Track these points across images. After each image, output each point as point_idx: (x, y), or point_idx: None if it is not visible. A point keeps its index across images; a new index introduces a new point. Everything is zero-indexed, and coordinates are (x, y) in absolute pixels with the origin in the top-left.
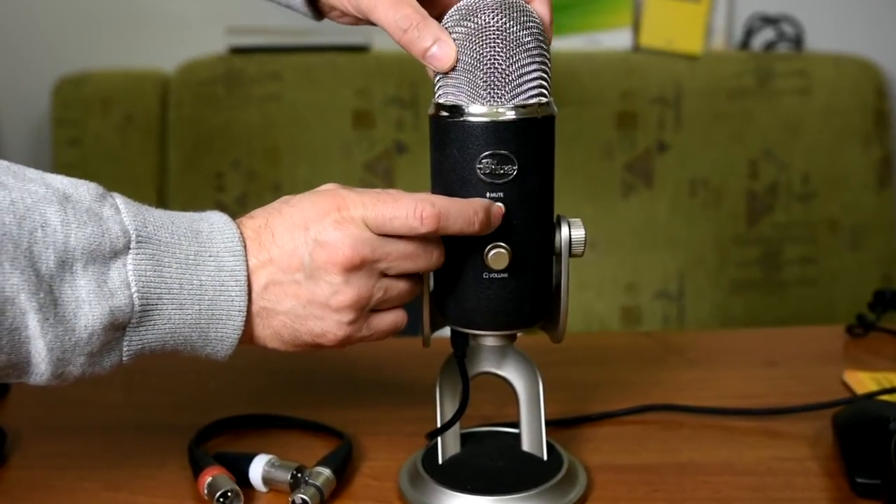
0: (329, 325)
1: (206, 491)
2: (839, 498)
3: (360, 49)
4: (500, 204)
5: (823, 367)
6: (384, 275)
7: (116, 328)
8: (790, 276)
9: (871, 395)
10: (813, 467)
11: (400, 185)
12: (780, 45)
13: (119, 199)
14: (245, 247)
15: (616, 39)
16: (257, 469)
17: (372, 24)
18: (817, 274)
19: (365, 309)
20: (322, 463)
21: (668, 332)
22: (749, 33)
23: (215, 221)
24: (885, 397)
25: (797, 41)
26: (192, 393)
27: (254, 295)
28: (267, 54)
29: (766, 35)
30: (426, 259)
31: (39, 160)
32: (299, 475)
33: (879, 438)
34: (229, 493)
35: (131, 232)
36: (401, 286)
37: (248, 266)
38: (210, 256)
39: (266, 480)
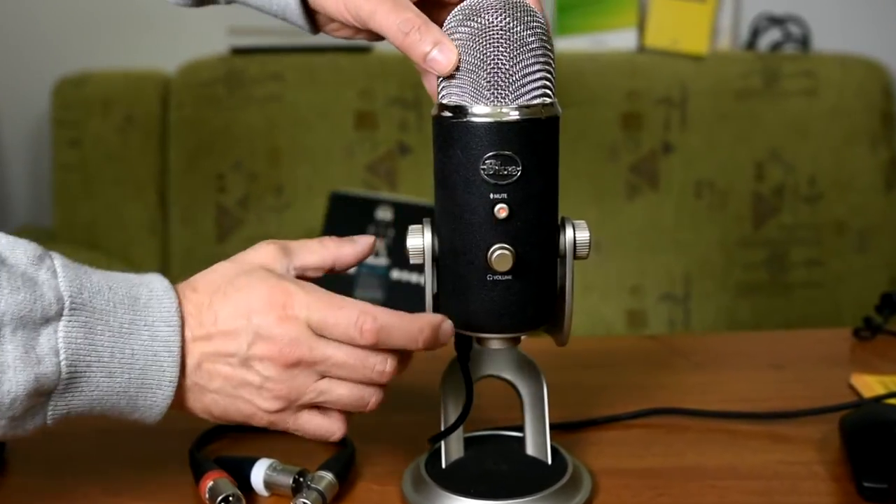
0: (255, 410)
1: (207, 496)
2: (846, 502)
3: (363, 49)
4: (449, 322)
5: (830, 371)
6: (324, 376)
7: (41, 394)
8: (797, 278)
9: (878, 399)
10: (820, 471)
11: (403, 186)
12: (787, 45)
13: (58, 262)
14: (182, 318)
15: (621, 40)
16: (259, 473)
17: (368, 37)
18: (824, 276)
19: (294, 403)
20: (324, 467)
21: (674, 335)
22: (755, 34)
23: (155, 288)
24: (893, 401)
25: (804, 42)
26: None
27: (187, 369)
28: (268, 55)
29: (772, 35)
30: (365, 372)
31: (39, 161)
32: (301, 479)
33: (887, 442)
34: (231, 498)
35: (65, 298)
36: (340, 392)
37: (183, 338)
38: (145, 325)
39: (268, 485)
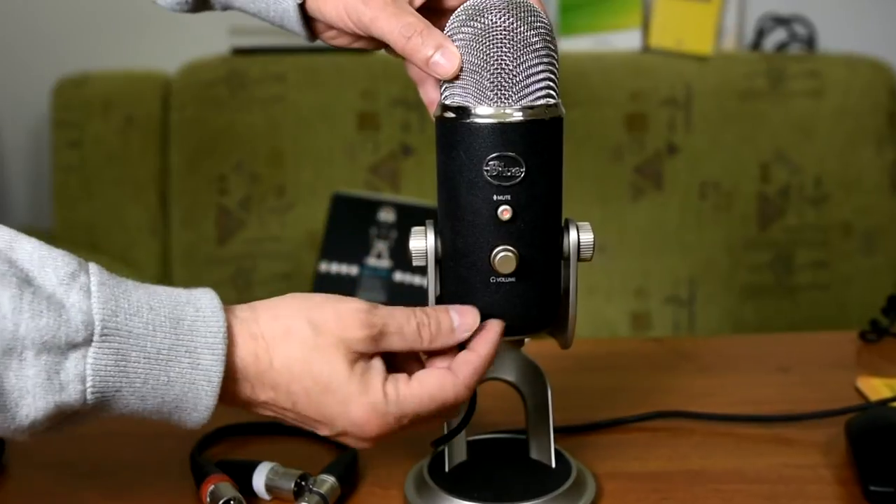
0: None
1: (208, 499)
2: None
3: (366, 49)
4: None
5: (836, 374)
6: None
7: (64, 415)
8: (802, 280)
9: (884, 402)
10: (826, 475)
11: (406, 187)
12: (792, 45)
13: (94, 279)
14: (231, 340)
15: (625, 40)
16: (260, 477)
17: (365, 45)
18: (830, 278)
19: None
20: (327, 470)
21: (679, 338)
22: (760, 34)
23: (203, 307)
24: None
25: (809, 42)
26: None
27: (243, 396)
28: (270, 55)
29: (777, 35)
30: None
31: (39, 163)
32: (303, 483)
33: (893, 446)
34: (232, 502)
35: (96, 324)
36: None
37: (226, 366)
38: (186, 352)
39: (269, 488)
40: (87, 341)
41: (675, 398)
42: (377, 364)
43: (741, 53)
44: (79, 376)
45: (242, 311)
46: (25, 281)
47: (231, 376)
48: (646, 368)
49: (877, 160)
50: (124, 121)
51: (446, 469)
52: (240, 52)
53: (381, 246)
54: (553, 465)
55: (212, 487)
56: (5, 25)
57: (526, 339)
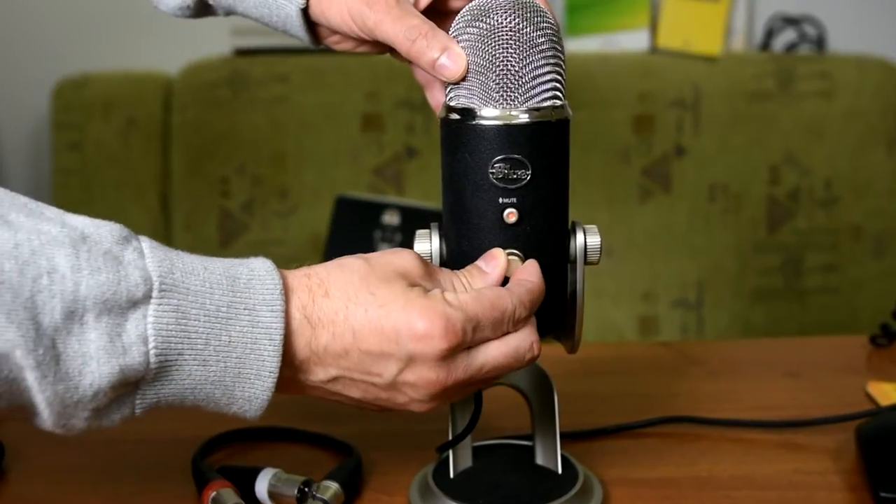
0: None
1: None
2: None
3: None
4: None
5: (846, 378)
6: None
7: (127, 385)
8: (812, 284)
9: (895, 407)
10: (836, 481)
11: (410, 190)
12: (802, 46)
13: (146, 243)
14: (287, 300)
15: (633, 40)
16: (263, 483)
17: (369, 50)
18: (840, 282)
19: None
20: (330, 477)
21: (687, 342)
22: (770, 34)
23: (257, 268)
24: None
25: (819, 42)
26: None
27: (311, 379)
28: (273, 56)
29: (787, 36)
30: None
31: (39, 166)
32: (306, 489)
33: None
34: None
35: (154, 279)
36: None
37: (287, 321)
38: (245, 309)
39: (272, 495)
40: (147, 298)
41: (683, 403)
42: (434, 290)
43: (750, 54)
44: (140, 337)
45: (295, 268)
46: (80, 239)
47: (289, 332)
48: (653, 373)
49: (888, 162)
50: (125, 122)
51: (451, 475)
52: (242, 52)
53: (385, 249)
54: (559, 471)
55: (213, 494)
56: (4, 26)
57: None
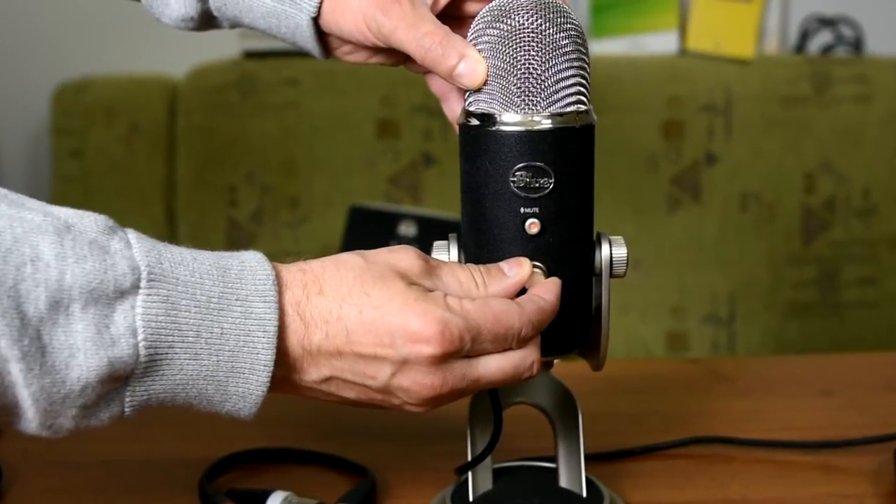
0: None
1: None
2: None
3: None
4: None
5: (885, 397)
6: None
7: (116, 380)
8: (849, 298)
9: None
10: None
11: (427, 199)
12: (839, 48)
13: (132, 234)
14: (280, 293)
15: (661, 42)
16: None
17: (382, 60)
18: (878, 296)
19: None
20: (344, 500)
21: (718, 359)
22: (805, 36)
23: (247, 259)
24: None
25: (857, 44)
26: (202, 424)
27: (304, 379)
28: (283, 58)
29: (823, 38)
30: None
31: (38, 173)
32: None
33: None
34: None
35: (142, 268)
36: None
37: (280, 315)
38: (237, 300)
39: None
40: (135, 288)
41: (714, 423)
42: (436, 291)
43: (784, 57)
44: (129, 329)
45: (289, 262)
46: (64, 228)
47: (283, 326)
48: (682, 391)
49: None
50: (128, 128)
51: (470, 498)
52: (251, 55)
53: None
54: (584, 494)
55: None
56: (2, 27)
57: (555, 361)
